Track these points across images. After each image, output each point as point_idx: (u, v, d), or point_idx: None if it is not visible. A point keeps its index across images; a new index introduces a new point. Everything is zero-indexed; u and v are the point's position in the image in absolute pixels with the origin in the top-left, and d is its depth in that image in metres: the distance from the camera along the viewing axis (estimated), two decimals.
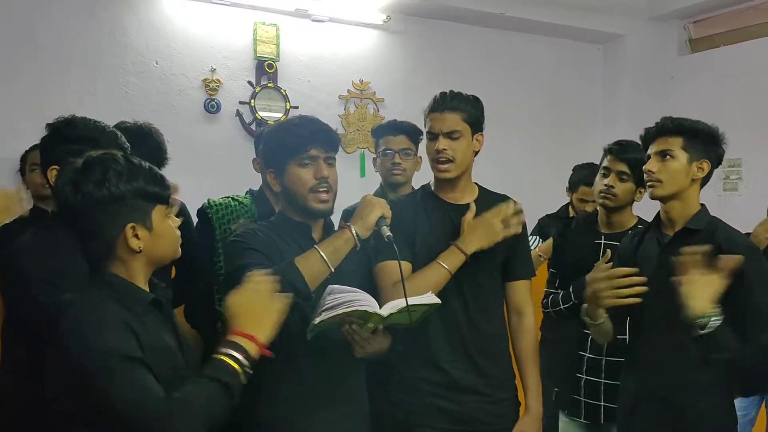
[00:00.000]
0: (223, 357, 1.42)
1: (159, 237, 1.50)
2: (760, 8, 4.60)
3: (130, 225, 1.46)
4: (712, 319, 1.80)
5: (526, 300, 2.21)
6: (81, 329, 1.39)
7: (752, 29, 4.64)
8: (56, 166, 1.85)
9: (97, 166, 1.46)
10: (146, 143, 2.38)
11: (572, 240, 2.67)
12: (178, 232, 1.57)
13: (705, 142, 2.07)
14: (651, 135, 2.12)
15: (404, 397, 2.08)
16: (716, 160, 2.10)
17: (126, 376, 1.35)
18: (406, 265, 2.05)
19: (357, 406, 1.95)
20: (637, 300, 2.00)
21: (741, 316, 1.95)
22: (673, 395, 2.02)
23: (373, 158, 2.99)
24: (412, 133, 2.82)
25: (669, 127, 2.08)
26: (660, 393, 2.05)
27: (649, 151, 2.12)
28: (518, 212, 2.07)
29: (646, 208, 2.39)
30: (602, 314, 2.10)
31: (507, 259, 2.14)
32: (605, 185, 2.52)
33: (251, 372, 1.44)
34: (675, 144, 2.06)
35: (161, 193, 1.51)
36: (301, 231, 1.91)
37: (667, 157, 2.05)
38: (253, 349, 1.45)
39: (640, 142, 2.54)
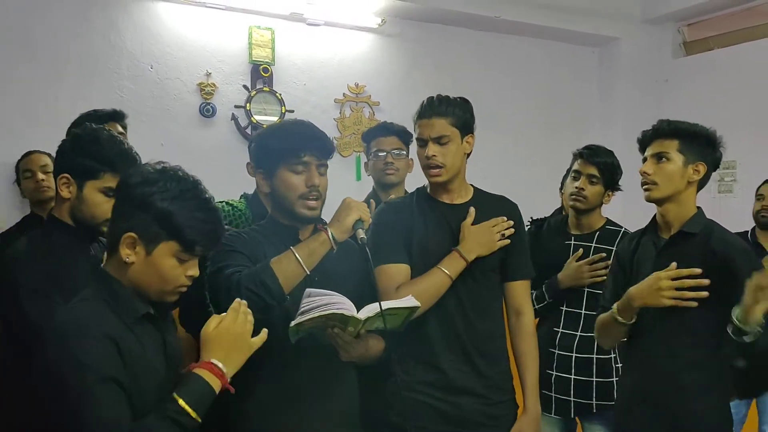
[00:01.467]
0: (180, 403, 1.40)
1: (151, 267, 1.47)
2: (755, 11, 4.62)
3: (132, 234, 1.45)
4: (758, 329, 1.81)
5: (525, 300, 2.21)
6: (64, 339, 1.38)
7: (746, 32, 4.65)
8: (67, 175, 1.84)
9: (162, 177, 1.50)
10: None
11: (543, 241, 2.73)
12: (185, 281, 1.51)
13: (702, 145, 2.07)
14: (647, 137, 2.13)
15: (401, 399, 2.07)
16: (713, 164, 2.10)
17: (100, 396, 1.34)
18: (405, 268, 2.06)
19: (346, 408, 1.95)
20: (695, 303, 1.94)
21: None
22: (669, 397, 2.03)
23: (365, 162, 2.98)
24: (402, 134, 2.83)
25: (665, 130, 2.08)
26: (656, 394, 2.05)
27: (645, 154, 2.12)
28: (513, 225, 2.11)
29: (644, 210, 2.39)
30: (635, 315, 2.05)
31: (505, 259, 2.15)
32: (576, 188, 2.61)
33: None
34: (671, 146, 2.06)
35: (187, 238, 1.47)
36: (289, 234, 1.91)
37: (663, 159, 2.06)
38: (217, 388, 1.44)
39: (611, 149, 2.60)
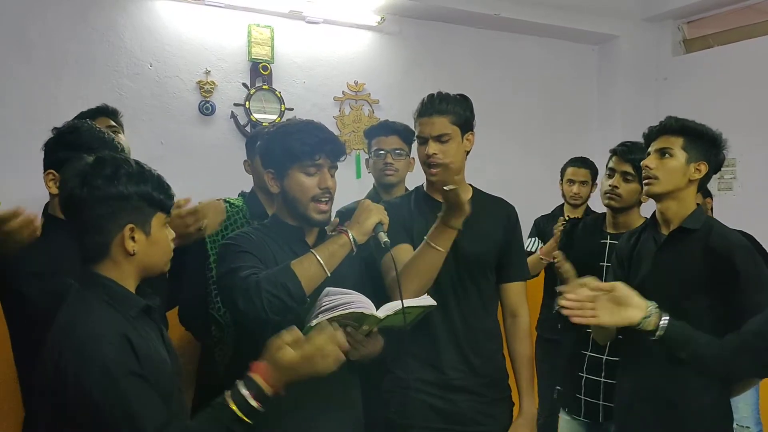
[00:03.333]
0: (244, 401, 1.41)
1: (154, 244, 1.52)
2: (755, 8, 4.61)
3: (130, 226, 1.47)
4: (660, 321, 1.83)
5: (521, 301, 2.22)
6: (78, 341, 1.38)
7: (746, 29, 4.64)
8: (53, 171, 1.85)
9: (109, 164, 1.48)
10: None
11: (579, 240, 2.69)
12: (172, 245, 1.57)
13: (706, 145, 2.07)
14: (653, 133, 2.13)
15: (398, 397, 2.08)
16: (715, 164, 2.09)
17: (132, 392, 1.35)
18: (407, 247, 2.05)
19: (351, 410, 1.95)
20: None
21: (736, 315, 1.96)
22: (669, 394, 2.03)
23: (366, 159, 2.97)
24: (403, 133, 2.82)
25: (672, 127, 2.08)
26: (656, 391, 2.05)
27: (649, 149, 2.12)
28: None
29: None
30: None
31: (501, 260, 2.15)
32: (610, 186, 2.55)
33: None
34: (675, 143, 2.06)
35: (165, 201, 1.53)
36: (295, 235, 1.91)
37: (666, 155, 2.06)
38: (269, 393, 1.44)
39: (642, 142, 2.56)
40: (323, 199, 1.87)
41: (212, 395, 1.50)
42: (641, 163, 2.12)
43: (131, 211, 1.48)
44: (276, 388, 1.45)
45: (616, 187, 2.54)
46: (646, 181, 2.09)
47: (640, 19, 4.95)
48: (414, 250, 2.04)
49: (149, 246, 1.51)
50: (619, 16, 4.89)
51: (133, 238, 1.48)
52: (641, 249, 2.17)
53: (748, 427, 3.33)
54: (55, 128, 1.96)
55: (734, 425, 2.09)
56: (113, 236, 1.47)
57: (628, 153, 2.54)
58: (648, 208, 2.62)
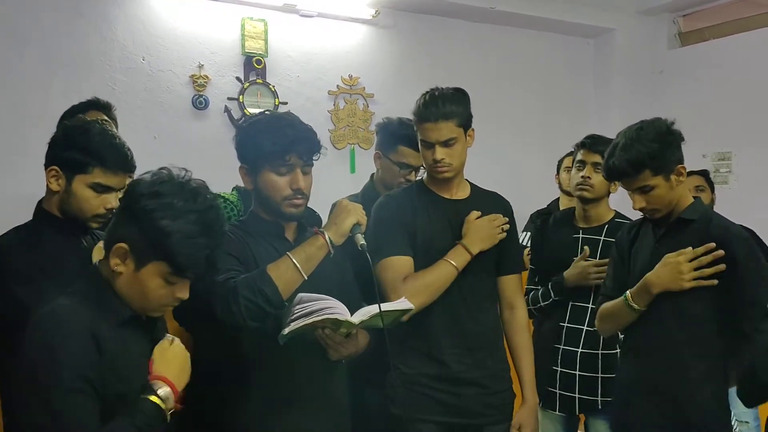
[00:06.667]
0: (153, 400, 1.42)
1: (137, 282, 1.44)
2: (750, 1, 4.61)
3: (124, 246, 1.42)
4: None
5: (518, 294, 2.25)
6: (42, 334, 1.36)
7: (742, 22, 4.64)
8: (56, 168, 1.80)
9: (182, 197, 1.45)
10: None
11: (550, 236, 2.68)
12: (163, 301, 1.49)
13: (668, 155, 2.02)
14: (614, 177, 2.10)
15: (402, 393, 2.07)
16: (681, 155, 2.05)
17: (72, 397, 1.33)
18: (409, 260, 2.07)
19: (335, 408, 1.92)
20: (715, 282, 1.94)
21: (736, 307, 1.95)
22: (669, 387, 2.03)
23: (376, 153, 2.72)
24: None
25: (627, 170, 2.02)
26: (655, 385, 2.05)
27: (626, 188, 2.08)
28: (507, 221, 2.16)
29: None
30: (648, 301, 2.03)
31: (498, 254, 2.17)
32: (582, 177, 2.55)
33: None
34: (646, 178, 2.01)
35: (182, 265, 1.44)
36: (274, 231, 1.88)
37: (648, 190, 2.02)
38: (172, 401, 1.46)
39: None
40: (296, 201, 1.83)
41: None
42: (633, 207, 2.09)
43: (136, 237, 1.41)
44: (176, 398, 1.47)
45: (588, 177, 2.54)
46: (650, 214, 2.07)
47: (635, 12, 4.93)
48: (414, 255, 2.07)
49: (132, 280, 1.44)
50: (614, 9, 4.87)
51: (124, 260, 1.43)
52: (640, 241, 2.17)
53: (747, 422, 3.34)
54: (64, 124, 1.89)
55: (733, 420, 2.09)
56: (113, 243, 1.43)
57: (596, 144, 2.56)
58: (615, 199, 2.64)
